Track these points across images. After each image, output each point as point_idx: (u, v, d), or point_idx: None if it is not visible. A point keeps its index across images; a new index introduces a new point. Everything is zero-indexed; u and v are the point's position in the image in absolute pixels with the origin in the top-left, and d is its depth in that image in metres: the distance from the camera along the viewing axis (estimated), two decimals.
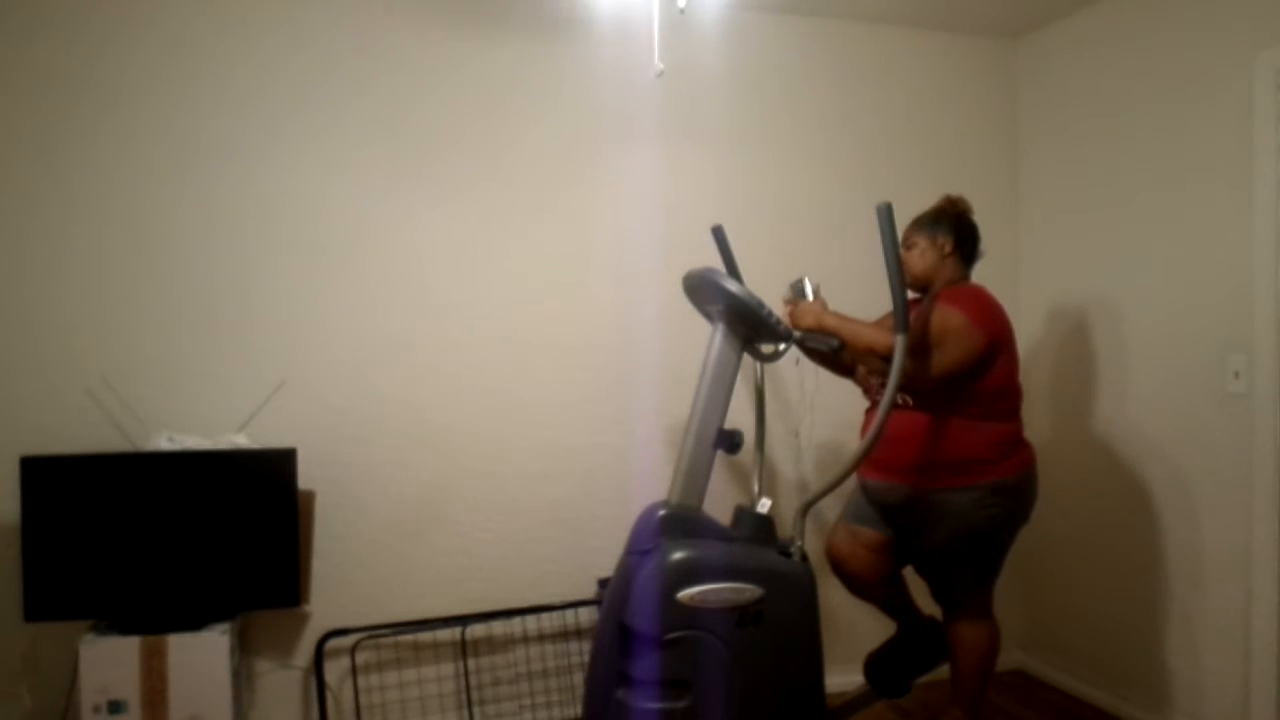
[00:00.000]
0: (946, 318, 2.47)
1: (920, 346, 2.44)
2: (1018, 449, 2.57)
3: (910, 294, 2.64)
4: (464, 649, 3.00)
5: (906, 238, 2.67)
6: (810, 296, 2.63)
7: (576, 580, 3.11)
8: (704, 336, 2.53)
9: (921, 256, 2.64)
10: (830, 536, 2.77)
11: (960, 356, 2.45)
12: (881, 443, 2.61)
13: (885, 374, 2.46)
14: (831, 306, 2.60)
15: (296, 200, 2.86)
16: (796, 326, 2.54)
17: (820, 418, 3.35)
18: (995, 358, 2.49)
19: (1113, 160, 3.18)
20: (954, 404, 2.50)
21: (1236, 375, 2.74)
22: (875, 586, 2.72)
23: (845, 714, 3.06)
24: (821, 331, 2.53)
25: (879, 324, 2.50)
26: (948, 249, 2.62)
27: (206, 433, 2.72)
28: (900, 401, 2.53)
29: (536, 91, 3.08)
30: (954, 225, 2.64)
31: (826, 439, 3.36)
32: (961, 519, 2.52)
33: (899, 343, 2.31)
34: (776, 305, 2.44)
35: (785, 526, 2.59)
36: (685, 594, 2.25)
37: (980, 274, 2.70)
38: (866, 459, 2.69)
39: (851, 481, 2.62)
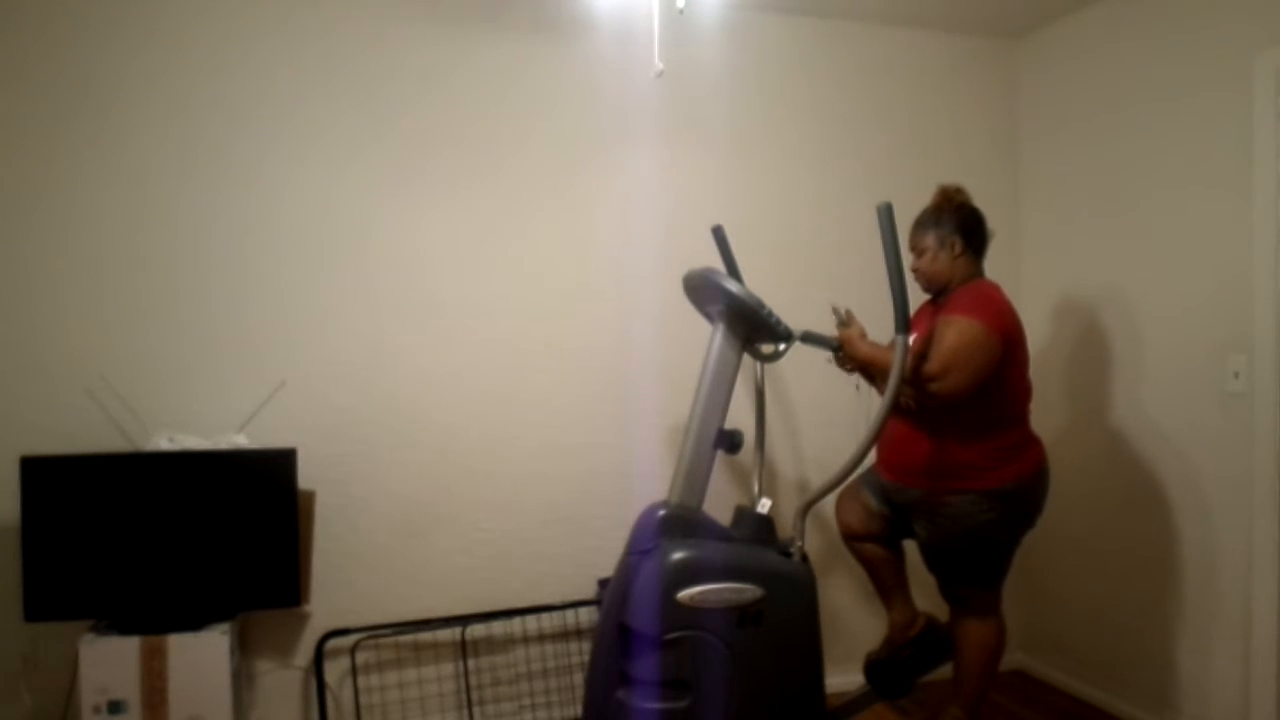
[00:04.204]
0: (965, 331, 2.42)
1: (947, 366, 2.39)
2: (1018, 455, 2.54)
3: (917, 298, 2.65)
4: (464, 649, 3.00)
5: (914, 242, 2.63)
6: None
7: (576, 580, 3.11)
8: (704, 336, 2.53)
9: (934, 261, 2.60)
10: (843, 488, 2.80)
11: (985, 364, 2.42)
12: (891, 444, 2.62)
13: (915, 399, 2.46)
14: (832, 307, 2.61)
15: (297, 200, 2.86)
16: (844, 349, 2.63)
17: (822, 417, 3.36)
18: (1006, 362, 2.47)
19: (1112, 160, 3.18)
20: (950, 410, 2.48)
21: (1236, 375, 2.74)
22: (860, 540, 2.78)
23: (845, 714, 3.06)
24: (855, 361, 2.60)
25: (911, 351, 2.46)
26: (958, 249, 2.58)
27: (206, 433, 2.72)
28: (903, 404, 2.52)
29: (536, 91, 3.08)
30: (959, 221, 2.59)
31: (828, 439, 3.35)
32: (957, 521, 2.51)
33: (899, 343, 2.31)
34: (777, 305, 2.43)
35: (785, 526, 2.59)
36: (685, 594, 2.25)
37: None
38: (879, 458, 2.70)
39: (871, 458, 2.63)
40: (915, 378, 2.44)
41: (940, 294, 2.64)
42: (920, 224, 2.64)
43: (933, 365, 2.41)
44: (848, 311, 2.70)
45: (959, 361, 2.40)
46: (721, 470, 3.20)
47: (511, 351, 3.08)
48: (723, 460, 3.04)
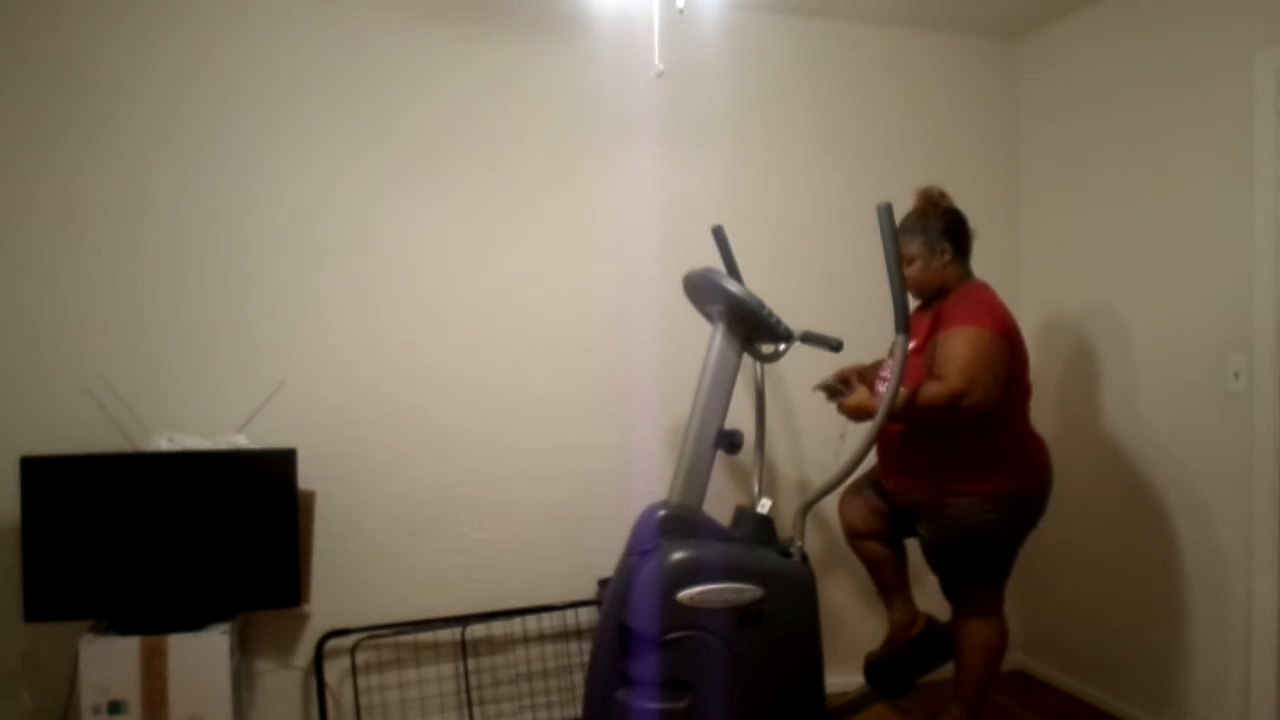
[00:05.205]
0: (974, 339, 2.40)
1: (971, 379, 2.36)
2: (1021, 456, 2.54)
3: (916, 302, 2.64)
4: (464, 649, 3.00)
5: (900, 251, 2.56)
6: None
7: (576, 580, 3.11)
8: (704, 337, 2.53)
9: (925, 269, 2.57)
10: (846, 487, 2.80)
11: (1001, 369, 2.41)
12: (891, 450, 2.62)
13: (953, 421, 2.42)
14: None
15: (297, 200, 2.86)
16: (855, 415, 2.52)
17: (822, 417, 3.35)
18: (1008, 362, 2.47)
19: (1113, 160, 3.18)
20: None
21: (1236, 375, 2.74)
22: (864, 538, 2.77)
23: (845, 714, 3.06)
24: (869, 416, 2.48)
25: (906, 389, 2.41)
26: (948, 255, 2.57)
27: (206, 433, 2.72)
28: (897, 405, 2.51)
29: (537, 91, 3.08)
30: (945, 226, 2.56)
31: (828, 438, 3.35)
32: (960, 522, 2.51)
33: (899, 343, 2.31)
34: (777, 305, 2.43)
35: (785, 526, 2.59)
36: (685, 594, 2.25)
37: (980, 275, 2.68)
38: (880, 462, 2.70)
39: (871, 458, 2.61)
40: (939, 401, 2.38)
41: (932, 300, 2.63)
42: (906, 230, 2.58)
43: (957, 382, 2.36)
44: (837, 379, 2.64)
45: (979, 371, 2.38)
46: (721, 470, 3.20)
47: (511, 351, 3.08)
48: (723, 460, 3.04)
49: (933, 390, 2.39)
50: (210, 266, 2.79)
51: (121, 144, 2.71)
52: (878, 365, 2.83)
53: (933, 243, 2.56)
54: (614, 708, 2.29)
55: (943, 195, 2.61)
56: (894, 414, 2.38)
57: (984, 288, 2.59)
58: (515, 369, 3.08)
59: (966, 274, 2.63)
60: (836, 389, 2.62)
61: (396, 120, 2.95)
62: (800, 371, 3.19)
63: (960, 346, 2.41)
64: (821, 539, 3.32)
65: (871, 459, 2.63)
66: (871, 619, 3.33)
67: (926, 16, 3.40)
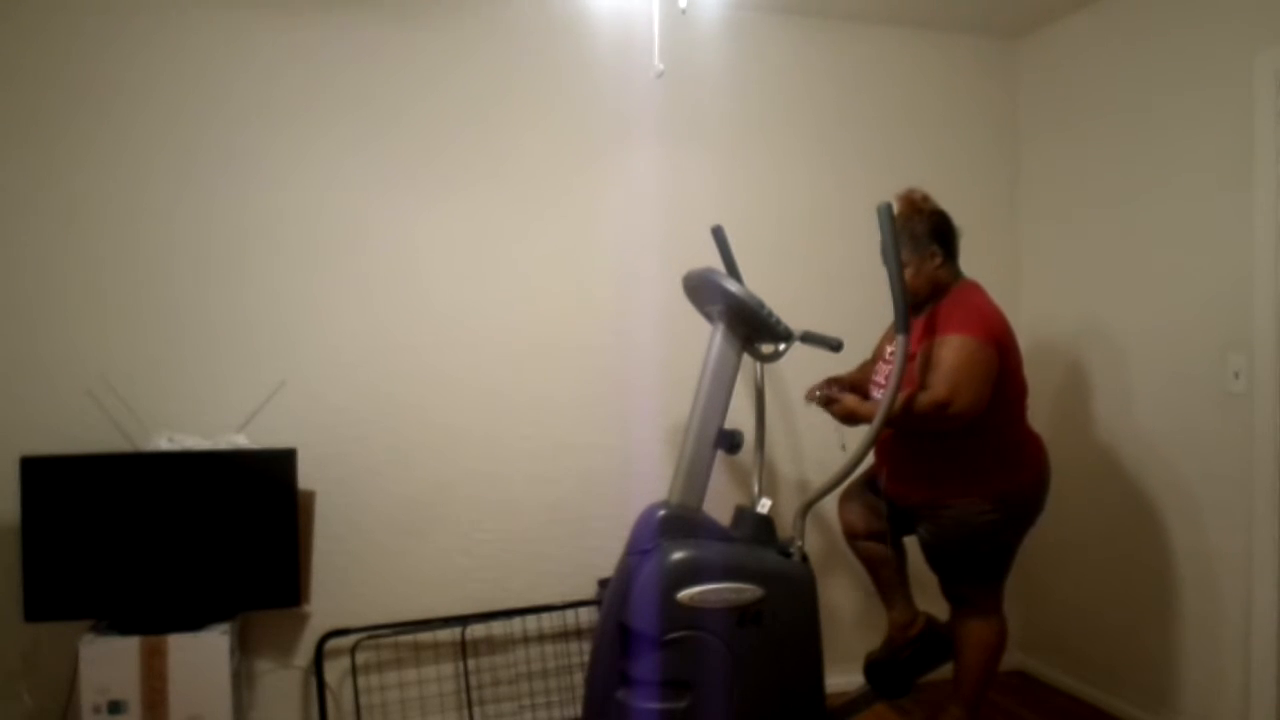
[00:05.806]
0: (960, 349, 2.41)
1: (955, 388, 2.37)
2: (1019, 456, 2.55)
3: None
4: (464, 649, 3.00)
5: None
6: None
7: (576, 580, 3.11)
8: (704, 337, 2.53)
9: (916, 275, 2.55)
10: (848, 486, 2.80)
11: (988, 376, 2.41)
12: (891, 454, 2.62)
13: (942, 427, 2.43)
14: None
15: (296, 200, 2.86)
16: (846, 420, 2.53)
17: (821, 417, 3.35)
18: (1000, 367, 2.46)
19: (1113, 160, 3.18)
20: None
21: (1236, 375, 2.74)
22: (863, 539, 2.78)
23: (845, 714, 3.06)
24: (861, 420, 2.49)
25: (904, 393, 2.41)
26: (939, 258, 2.56)
27: (206, 433, 2.72)
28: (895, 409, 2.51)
29: (536, 91, 3.08)
30: (932, 228, 2.55)
31: (828, 439, 3.35)
32: (960, 523, 2.51)
33: (900, 343, 2.32)
34: (777, 305, 2.43)
35: (785, 526, 2.59)
36: (685, 594, 2.25)
37: (980, 276, 2.67)
38: (879, 469, 2.70)
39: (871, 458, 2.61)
40: (926, 409, 2.40)
41: (926, 303, 2.61)
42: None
43: (940, 391, 2.38)
44: (825, 387, 2.65)
45: (963, 380, 2.38)
46: (721, 470, 3.20)
47: (511, 351, 3.07)
48: (723, 460, 3.04)
49: (919, 399, 2.41)
50: (210, 266, 2.79)
51: (121, 144, 2.71)
52: (865, 367, 2.84)
53: (922, 247, 2.55)
54: (614, 708, 2.29)
55: (925, 198, 2.59)
56: (889, 419, 2.39)
57: (975, 289, 2.58)
58: (515, 369, 3.08)
59: (957, 274, 2.61)
60: (831, 397, 2.61)
61: (396, 120, 2.95)
62: (800, 371, 3.19)
63: (945, 354, 2.42)
64: (821, 539, 3.32)
65: (870, 459, 2.63)
66: (871, 619, 3.33)
67: (926, 16, 3.40)
